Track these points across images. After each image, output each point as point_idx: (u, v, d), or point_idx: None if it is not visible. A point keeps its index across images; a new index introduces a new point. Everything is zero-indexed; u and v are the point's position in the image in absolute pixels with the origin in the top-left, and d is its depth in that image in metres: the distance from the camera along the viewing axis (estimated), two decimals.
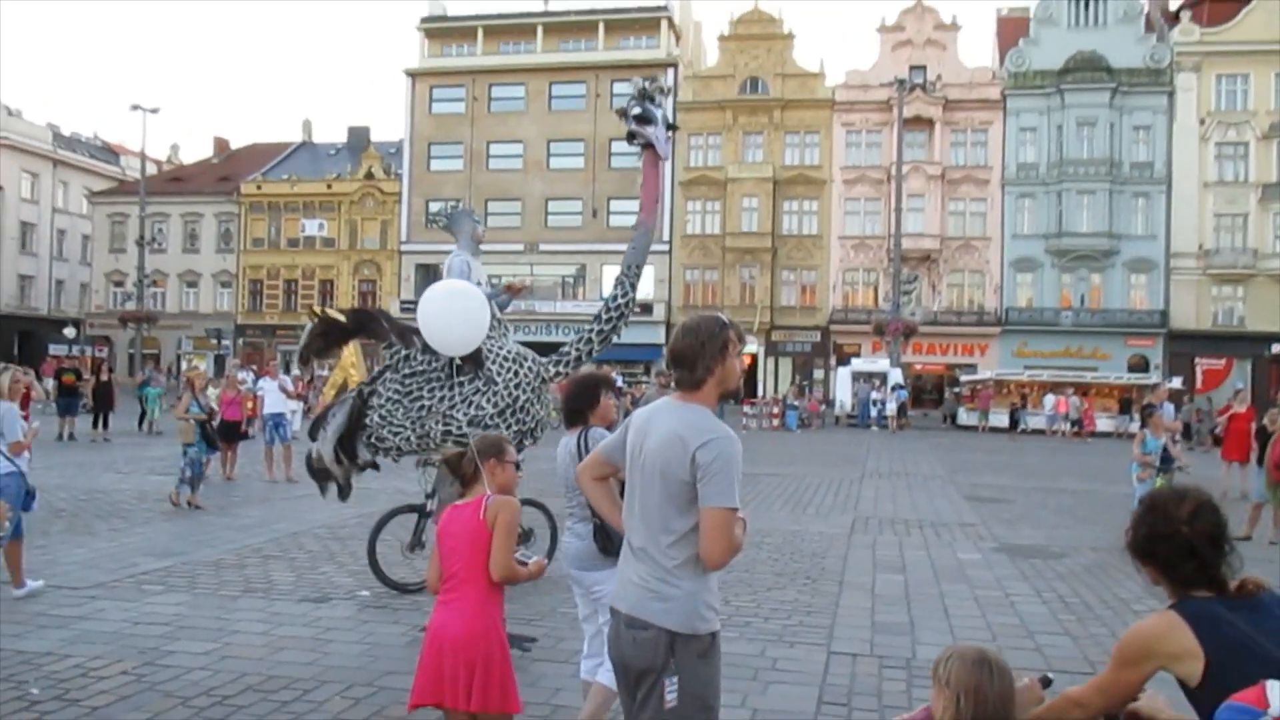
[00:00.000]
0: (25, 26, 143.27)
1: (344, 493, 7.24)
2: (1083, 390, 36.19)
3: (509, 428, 6.44)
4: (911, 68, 46.00)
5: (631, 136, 6.64)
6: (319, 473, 7.07)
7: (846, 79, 47.86)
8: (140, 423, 24.83)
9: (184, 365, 46.40)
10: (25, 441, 7.84)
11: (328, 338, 6.80)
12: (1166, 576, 2.40)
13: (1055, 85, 44.85)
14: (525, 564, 3.82)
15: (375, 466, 7.16)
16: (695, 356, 3.06)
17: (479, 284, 6.88)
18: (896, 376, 37.37)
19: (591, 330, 6.74)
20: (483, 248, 7.53)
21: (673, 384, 3.17)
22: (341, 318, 6.98)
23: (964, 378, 40.90)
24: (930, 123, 45.78)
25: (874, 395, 36.65)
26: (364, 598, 7.86)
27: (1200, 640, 2.27)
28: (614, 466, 3.40)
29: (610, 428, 4.58)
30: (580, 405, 4.61)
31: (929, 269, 46.07)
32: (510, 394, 6.38)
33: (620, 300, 6.69)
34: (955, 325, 45.42)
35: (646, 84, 6.60)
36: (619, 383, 31.33)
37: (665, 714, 2.86)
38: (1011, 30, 47.91)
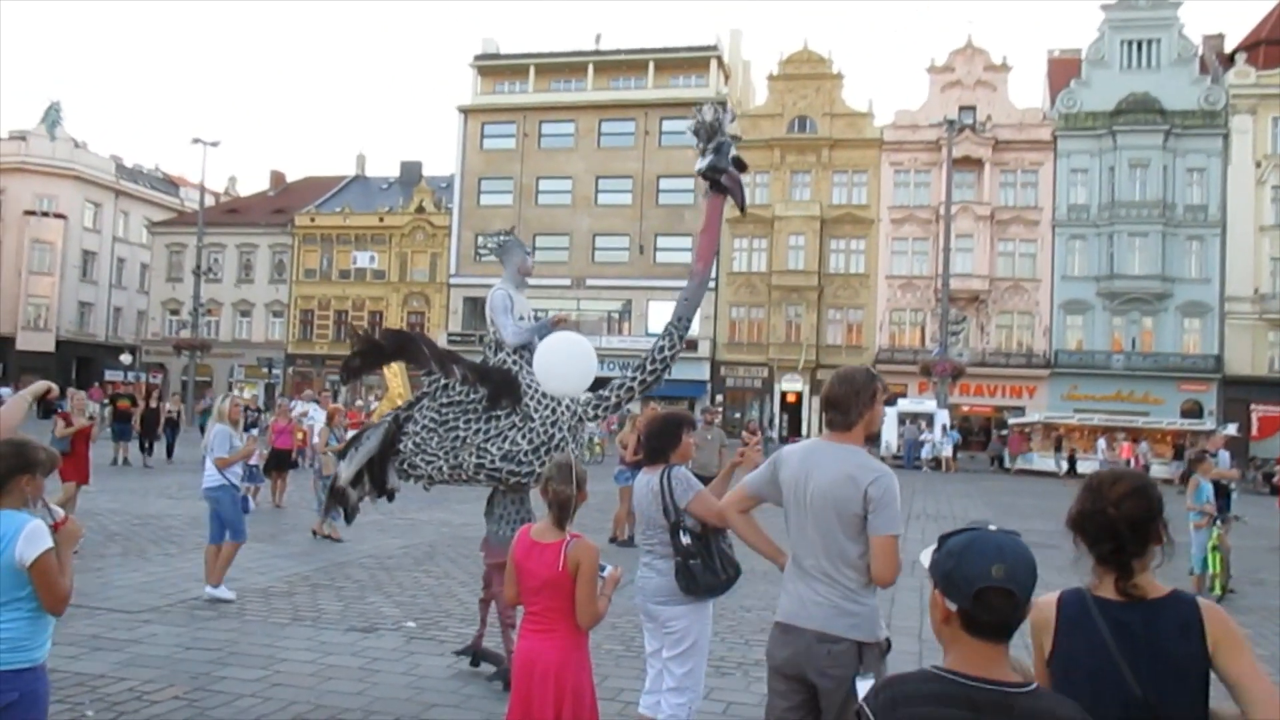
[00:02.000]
0: (93, 62, 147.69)
1: (350, 516, 7.19)
2: (1134, 436, 35.58)
3: (542, 465, 6.41)
4: (961, 108, 45.89)
5: (715, 172, 6.20)
6: (335, 493, 7.06)
7: (895, 119, 47.86)
8: (151, 448, 23.56)
9: (235, 393, 47.19)
10: (230, 458, 8.90)
11: (366, 358, 6.78)
12: (1089, 553, 2.45)
13: (1107, 127, 44.50)
14: (602, 575, 3.90)
15: (390, 497, 6.99)
16: (850, 402, 3.59)
17: (521, 317, 6.80)
18: (943, 417, 37.02)
19: (634, 379, 6.53)
20: (531, 281, 7.37)
21: (825, 425, 3.72)
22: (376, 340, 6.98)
23: (1012, 420, 40.36)
24: (980, 163, 45.59)
25: (922, 436, 36.32)
26: (410, 629, 7.90)
27: (1057, 620, 2.37)
28: (759, 499, 3.88)
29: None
30: (662, 445, 4.65)
31: (977, 310, 45.69)
32: (546, 431, 6.33)
33: (666, 351, 6.45)
34: (1004, 367, 44.90)
35: (722, 116, 6.34)
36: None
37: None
38: (1062, 71, 47.69)
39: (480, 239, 53.30)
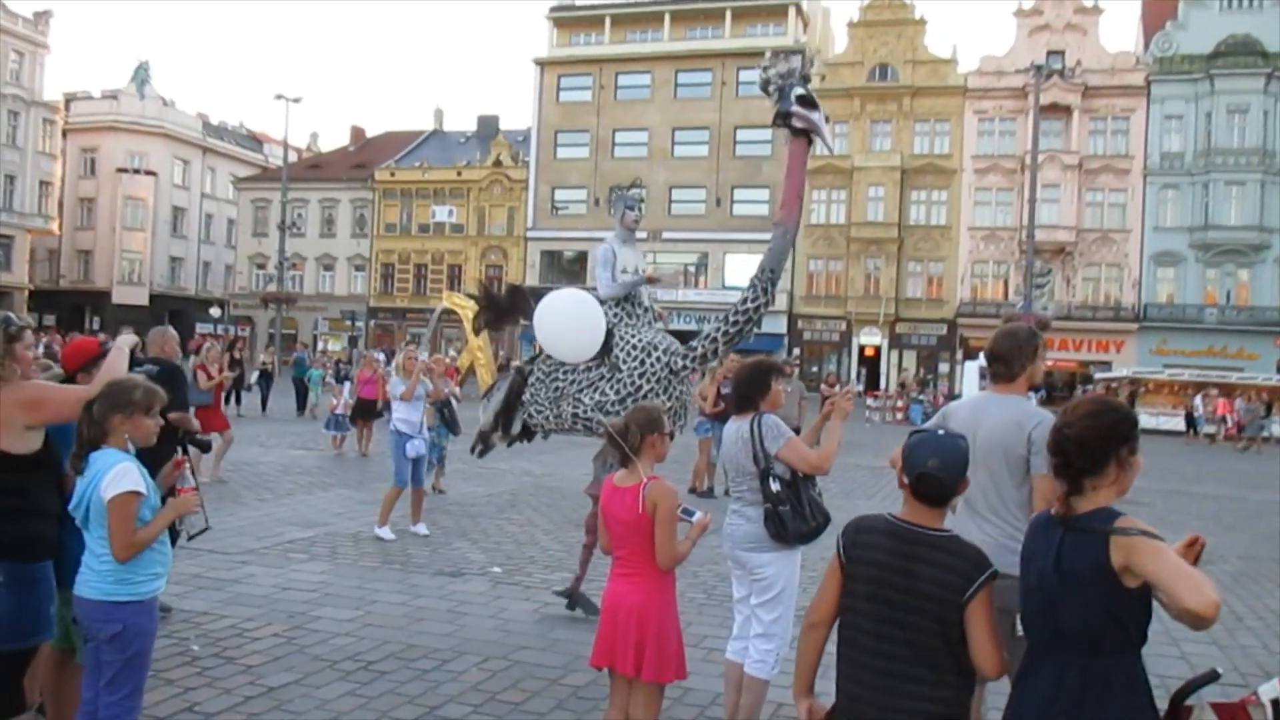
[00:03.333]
0: (179, 21, 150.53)
1: (483, 452, 7.73)
2: (1228, 391, 34.48)
3: None
4: (1049, 53, 44.35)
5: (787, 118, 6.05)
6: (480, 434, 7.56)
7: (980, 65, 46.50)
8: (300, 406, 23.82)
9: (319, 345, 48.24)
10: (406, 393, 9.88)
11: (493, 312, 7.39)
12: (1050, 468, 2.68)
13: (1204, 70, 42.68)
14: (689, 519, 3.94)
15: (527, 438, 7.31)
16: (1013, 355, 3.91)
17: (624, 270, 6.78)
18: None
19: (719, 330, 6.51)
20: (604, 233, 7.45)
21: (989, 376, 4.05)
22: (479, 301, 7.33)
23: (1098, 375, 39.39)
24: (1068, 110, 44.12)
25: None
26: (496, 574, 8.08)
27: (1027, 534, 2.71)
28: None
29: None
30: (751, 393, 4.65)
31: (1063, 262, 44.50)
32: (634, 382, 6.41)
33: (750, 304, 6.36)
34: (1090, 321, 43.76)
35: (807, 64, 6.15)
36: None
37: (1021, 644, 3.24)
38: (1158, 13, 45.74)
39: (557, 194, 53.33)
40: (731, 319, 6.41)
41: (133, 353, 7.45)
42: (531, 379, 6.96)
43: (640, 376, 6.39)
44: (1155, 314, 43.33)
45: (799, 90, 5.98)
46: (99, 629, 3.44)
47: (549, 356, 6.81)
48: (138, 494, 3.43)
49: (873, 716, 2.69)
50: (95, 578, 3.46)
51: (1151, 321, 43.16)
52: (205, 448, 7.53)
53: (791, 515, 4.40)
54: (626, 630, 3.79)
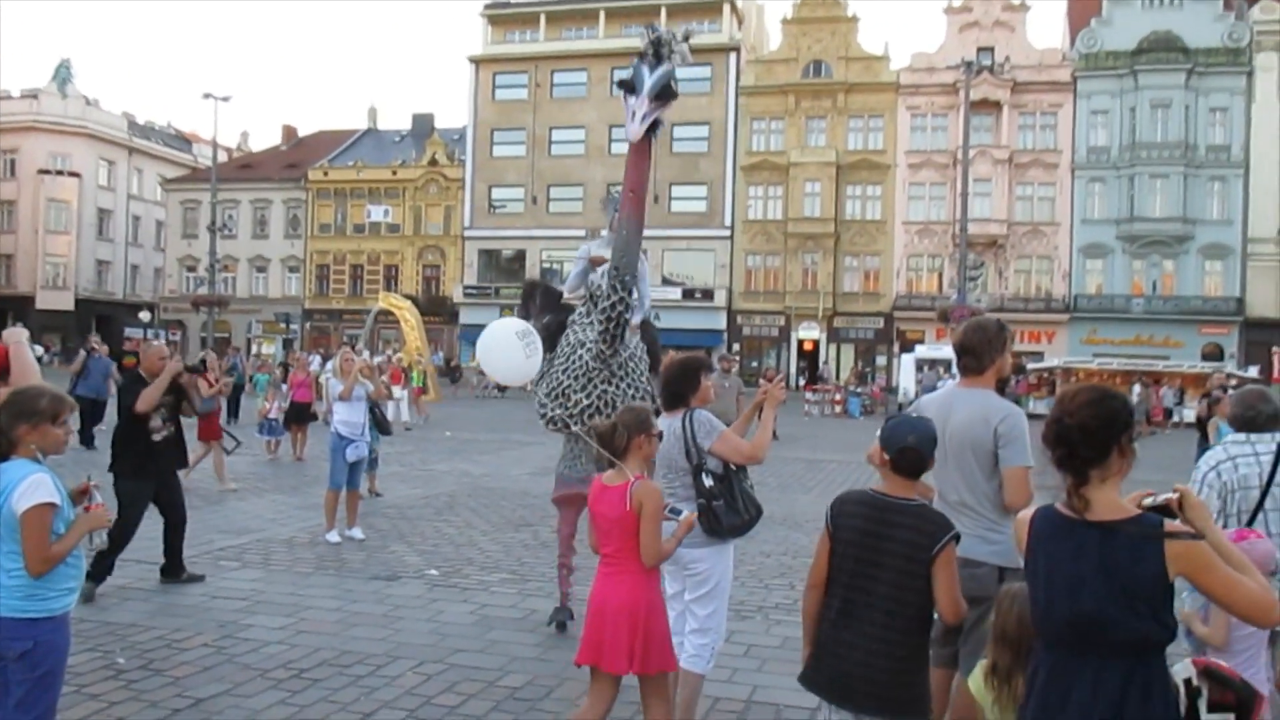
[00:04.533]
0: (102, 18, 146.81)
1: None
2: (1155, 379, 35.35)
3: (555, 410, 6.50)
4: (979, 49, 45.11)
5: (665, 100, 5.66)
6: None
7: (912, 62, 47.16)
8: (233, 413, 20.69)
9: (254, 349, 47.40)
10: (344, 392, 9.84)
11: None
12: (1051, 460, 2.59)
13: (1129, 66, 43.73)
14: (676, 519, 4.02)
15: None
16: (983, 349, 3.98)
17: (596, 273, 6.60)
18: None
19: (598, 340, 6.29)
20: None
21: (958, 369, 4.12)
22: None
23: (1030, 365, 40.19)
24: (998, 105, 44.93)
25: (939, 382, 36.22)
26: (432, 576, 7.98)
27: (1029, 535, 2.59)
28: None
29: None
30: (682, 389, 4.64)
31: (995, 255, 45.32)
32: (558, 379, 6.47)
33: (606, 305, 6.06)
34: (1022, 312, 44.50)
35: (663, 34, 5.65)
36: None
37: None
38: (1083, 10, 46.76)
39: (494, 192, 52.89)
40: (600, 324, 6.20)
41: (135, 369, 7.37)
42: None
43: (564, 373, 6.40)
44: (1085, 305, 44.34)
45: (622, 74, 5.77)
46: (8, 647, 3.30)
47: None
48: (53, 505, 3.31)
49: (846, 657, 3.12)
50: (5, 594, 3.32)
51: (1081, 312, 44.16)
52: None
53: (725, 509, 4.40)
54: (616, 628, 3.80)
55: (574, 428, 6.38)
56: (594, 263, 6.75)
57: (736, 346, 46.07)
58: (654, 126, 5.73)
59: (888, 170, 46.66)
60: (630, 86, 5.59)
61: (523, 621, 6.73)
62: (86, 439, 15.93)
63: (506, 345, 6.35)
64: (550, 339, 6.67)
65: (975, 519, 3.86)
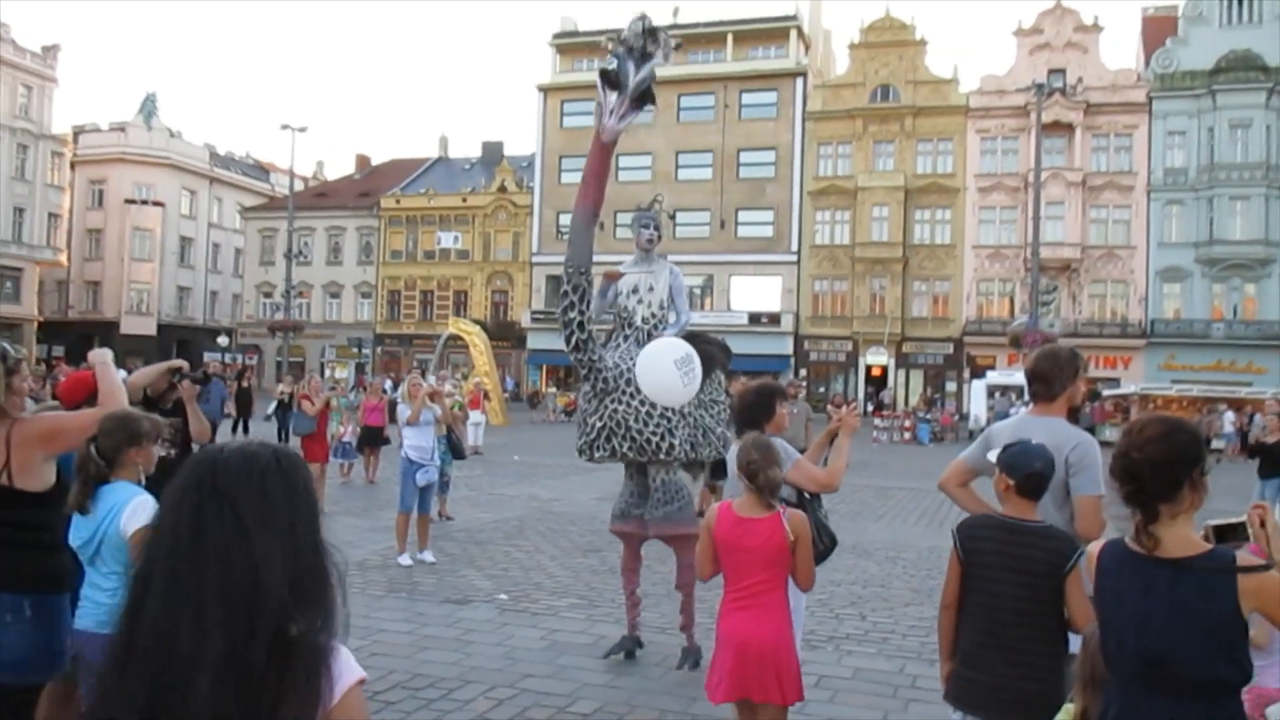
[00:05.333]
0: (187, 53, 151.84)
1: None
2: (1236, 406, 34.29)
3: (580, 439, 6.37)
4: (1050, 71, 44.50)
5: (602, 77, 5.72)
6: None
7: (981, 84, 46.70)
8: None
9: (328, 373, 48.31)
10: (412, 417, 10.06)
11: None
12: (1120, 495, 2.54)
13: (1206, 86, 42.78)
14: None
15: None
16: (1053, 376, 3.94)
17: (634, 291, 6.55)
18: None
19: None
20: (610, 258, 7.15)
21: (1029, 396, 4.09)
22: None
23: (1106, 392, 39.28)
24: (1070, 128, 44.24)
25: (1012, 409, 35.55)
26: (503, 601, 8.05)
27: (1097, 571, 2.53)
28: (976, 473, 4.13)
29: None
30: (757, 415, 4.65)
31: (1069, 279, 44.50)
32: (580, 406, 6.46)
33: (561, 307, 6.10)
34: (1097, 337, 43.63)
35: (656, 27, 5.55)
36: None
37: (1070, 660, 3.45)
38: (1158, 30, 45.93)
39: (562, 218, 53.59)
40: (561, 333, 6.16)
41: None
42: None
43: (583, 398, 6.39)
44: (1162, 329, 43.25)
45: (602, 66, 5.63)
46: (99, 660, 3.43)
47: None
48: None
49: (997, 672, 3.29)
50: (102, 611, 3.45)
51: (1159, 337, 43.08)
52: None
53: None
54: (762, 660, 3.79)
55: (597, 455, 6.25)
56: (609, 277, 6.53)
57: (804, 372, 45.79)
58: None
59: (957, 194, 46.15)
60: (614, 81, 5.42)
61: (592, 647, 6.76)
62: None
63: (665, 371, 5.94)
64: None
65: None
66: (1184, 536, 2.39)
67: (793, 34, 49.98)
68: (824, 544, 4.51)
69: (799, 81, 48.78)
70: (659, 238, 6.77)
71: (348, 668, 1.56)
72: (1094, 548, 2.60)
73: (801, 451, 5.01)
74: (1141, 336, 43.34)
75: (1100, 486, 3.77)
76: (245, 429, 23.55)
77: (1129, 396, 36.49)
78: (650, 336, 6.34)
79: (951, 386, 45.42)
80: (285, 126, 44.62)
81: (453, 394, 20.98)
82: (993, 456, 3.49)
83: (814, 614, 7.74)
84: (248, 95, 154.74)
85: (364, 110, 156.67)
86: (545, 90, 53.54)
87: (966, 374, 43.90)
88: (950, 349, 45.83)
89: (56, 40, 58.98)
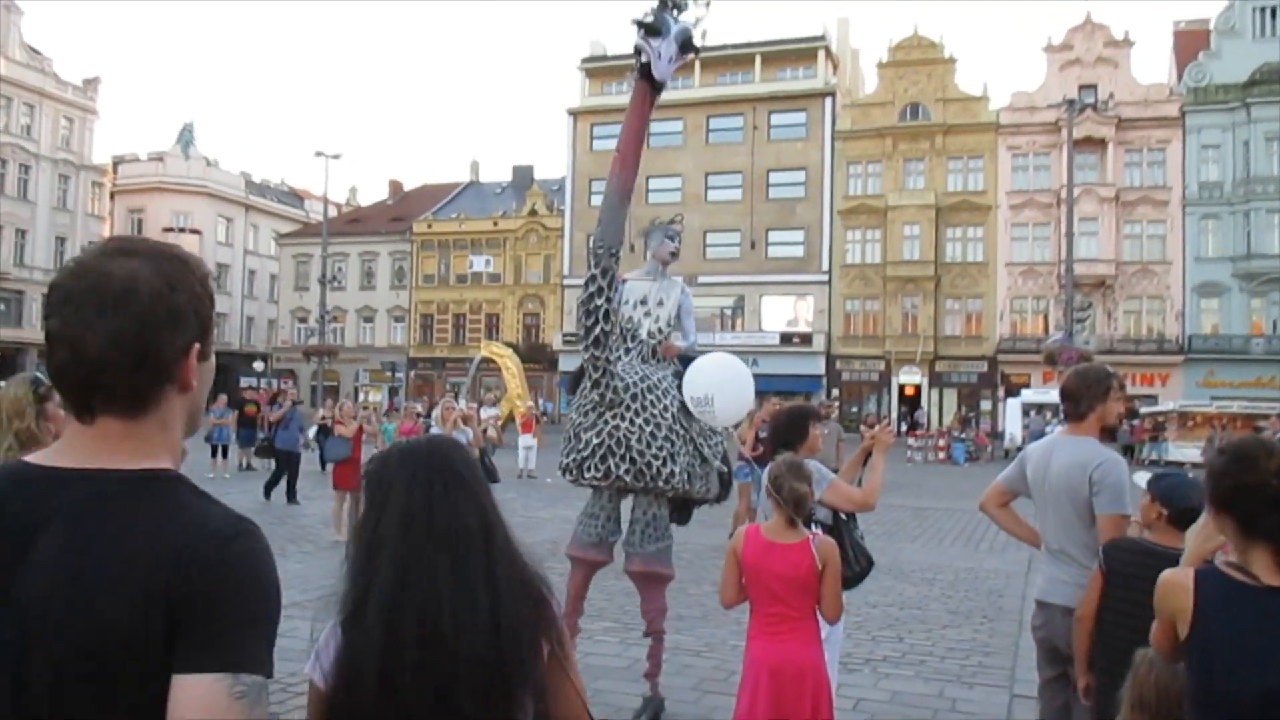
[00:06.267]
0: (222, 83, 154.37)
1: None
2: None
3: (568, 455, 5.82)
4: (1081, 87, 44.29)
5: (637, 53, 5.14)
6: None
7: (1011, 101, 46.53)
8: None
9: (361, 397, 48.67)
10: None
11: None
12: (1239, 531, 2.31)
13: (1240, 99, 42.37)
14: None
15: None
16: (1081, 394, 3.95)
17: (643, 301, 6.13)
18: None
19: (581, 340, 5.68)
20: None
21: (1062, 415, 4.13)
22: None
23: (1144, 409, 38.78)
24: (1103, 143, 43.94)
25: (1047, 428, 35.18)
26: None
27: (1196, 602, 2.27)
28: (1014, 494, 4.22)
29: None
30: (790, 438, 4.63)
31: (1104, 295, 44.07)
32: (572, 419, 5.89)
33: (584, 295, 5.48)
34: (1133, 354, 43.14)
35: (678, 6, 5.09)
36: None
37: None
38: (1190, 43, 45.60)
39: (593, 241, 54.26)
40: (578, 316, 5.58)
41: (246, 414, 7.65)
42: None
43: (576, 411, 5.80)
44: (1200, 345, 42.69)
45: (638, 17, 5.03)
46: None
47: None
48: None
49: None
50: None
51: (1196, 353, 42.52)
52: None
53: None
54: (800, 685, 3.75)
55: (587, 475, 5.68)
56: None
57: (836, 392, 45.58)
58: (658, 87, 5.22)
59: (989, 211, 45.91)
60: (654, 29, 5.02)
61: (626, 671, 6.75)
62: (290, 493, 15.74)
63: (742, 381, 5.61)
64: (573, 382, 6.01)
65: (1076, 568, 3.84)
66: None
67: (820, 54, 50.08)
68: (861, 566, 4.49)
69: (828, 101, 48.82)
70: (677, 255, 6.39)
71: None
72: (1178, 577, 2.39)
73: (835, 472, 5.00)
74: (1179, 353, 42.81)
75: (1125, 506, 3.79)
76: (259, 454, 23.65)
77: (1167, 414, 36.03)
78: (655, 353, 5.98)
79: (986, 405, 45.04)
80: (319, 154, 45.22)
81: (494, 415, 21.02)
82: (1142, 481, 3.57)
83: (851, 636, 7.70)
84: (282, 123, 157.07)
85: (396, 136, 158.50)
86: (575, 114, 53.92)
87: (1001, 392, 43.53)
88: (984, 367, 45.48)
89: (97, 73, 60.08)
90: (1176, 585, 2.36)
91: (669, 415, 5.58)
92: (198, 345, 1.37)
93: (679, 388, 5.70)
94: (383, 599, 1.76)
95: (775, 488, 3.84)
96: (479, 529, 1.84)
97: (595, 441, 5.56)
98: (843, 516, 4.50)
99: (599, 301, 5.40)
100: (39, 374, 3.83)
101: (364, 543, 1.84)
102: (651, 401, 5.58)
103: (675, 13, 5.02)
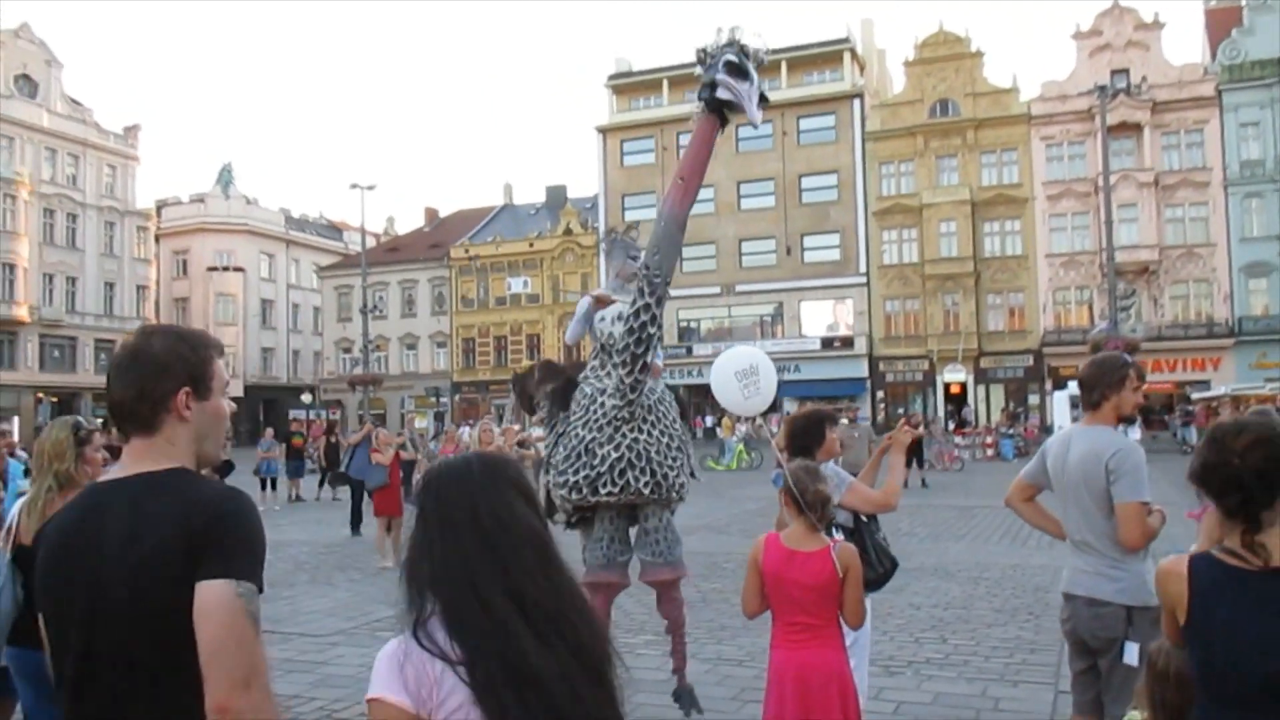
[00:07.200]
0: (259, 122, 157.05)
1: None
2: None
3: (578, 473, 5.56)
4: (1113, 72, 43.71)
5: (712, 87, 5.04)
6: None
7: (1042, 91, 46.02)
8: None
9: (406, 421, 49.04)
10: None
11: (523, 398, 6.62)
12: (1218, 508, 2.35)
13: (1277, 74, 41.56)
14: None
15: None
16: (1094, 383, 3.94)
17: (602, 319, 5.93)
18: None
19: (622, 358, 5.47)
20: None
21: (1082, 406, 4.08)
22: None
23: (1195, 395, 38.02)
24: (1138, 127, 43.30)
25: None
26: None
27: (1190, 590, 2.28)
28: (1037, 487, 4.22)
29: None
30: (807, 442, 4.63)
31: (1148, 282, 43.32)
32: (579, 434, 5.59)
33: (634, 318, 5.31)
34: (1182, 340, 42.34)
35: (747, 41, 5.09)
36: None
37: (1131, 671, 3.49)
38: (1222, 21, 44.84)
39: (611, 235, 54.38)
40: (624, 341, 5.41)
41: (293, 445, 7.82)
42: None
43: (584, 427, 5.60)
44: (1251, 327, 41.82)
45: (730, 57, 5.00)
46: None
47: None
48: None
49: None
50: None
51: (1248, 335, 41.65)
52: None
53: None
54: (827, 693, 3.71)
55: (601, 491, 5.48)
56: (600, 302, 5.99)
57: (880, 394, 45.25)
58: (725, 122, 5.20)
59: (1025, 203, 45.40)
60: (742, 72, 4.99)
61: (667, 684, 6.74)
62: (356, 523, 15.55)
63: (726, 382, 5.37)
64: (562, 398, 5.88)
65: (1098, 558, 3.84)
66: None
67: (846, 56, 49.93)
68: (884, 568, 4.48)
69: (856, 103, 48.63)
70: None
71: None
72: (1173, 565, 2.36)
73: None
74: (1229, 336, 41.96)
75: (1142, 493, 3.74)
76: (333, 483, 23.91)
77: (1220, 398, 35.28)
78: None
79: (1034, 399, 44.44)
80: (355, 185, 45.85)
81: (540, 437, 21.10)
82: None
83: (893, 639, 7.66)
84: (318, 158, 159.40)
85: (430, 164, 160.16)
86: (604, 131, 54.18)
87: (1048, 385, 42.92)
88: (1030, 361, 44.89)
89: (136, 120, 61.40)
90: (1172, 573, 2.36)
91: (677, 426, 5.71)
92: (187, 389, 2.01)
93: (675, 399, 5.86)
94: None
95: (799, 491, 3.79)
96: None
97: (614, 456, 5.46)
98: (864, 519, 4.50)
99: (652, 330, 5.36)
100: (80, 419, 3.95)
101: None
102: (663, 413, 5.62)
103: (753, 64, 5.07)
